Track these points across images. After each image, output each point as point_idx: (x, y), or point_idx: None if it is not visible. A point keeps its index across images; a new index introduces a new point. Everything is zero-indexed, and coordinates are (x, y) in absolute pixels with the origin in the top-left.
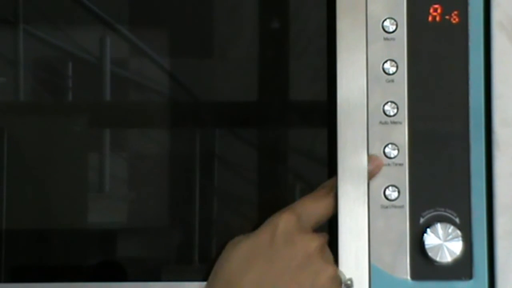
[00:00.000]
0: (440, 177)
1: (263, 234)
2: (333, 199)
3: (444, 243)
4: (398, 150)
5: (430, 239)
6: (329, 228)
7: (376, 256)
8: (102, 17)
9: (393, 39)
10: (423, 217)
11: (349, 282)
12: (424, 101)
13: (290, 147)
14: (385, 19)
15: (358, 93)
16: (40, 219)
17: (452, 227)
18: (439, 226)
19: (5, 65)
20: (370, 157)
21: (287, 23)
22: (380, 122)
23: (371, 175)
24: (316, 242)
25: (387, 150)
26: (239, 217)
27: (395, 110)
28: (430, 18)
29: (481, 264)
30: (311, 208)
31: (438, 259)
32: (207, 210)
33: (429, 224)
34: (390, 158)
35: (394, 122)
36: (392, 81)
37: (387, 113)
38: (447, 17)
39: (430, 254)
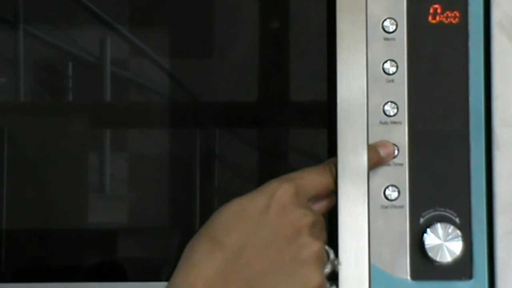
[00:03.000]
0: (440, 177)
1: (258, 198)
2: (334, 176)
3: (444, 243)
4: (398, 150)
5: (430, 239)
6: (329, 228)
7: (376, 256)
8: (102, 17)
9: (393, 39)
10: (423, 217)
11: (336, 262)
12: (424, 101)
13: (290, 147)
14: (385, 19)
15: (358, 93)
16: (40, 219)
17: (452, 227)
18: (439, 226)
19: (5, 65)
20: (380, 144)
21: (287, 24)
22: (380, 122)
23: (380, 163)
24: (308, 218)
25: None
26: None
27: (395, 110)
28: (430, 18)
29: (481, 264)
30: (313, 182)
31: (438, 259)
32: (207, 210)
33: (429, 224)
34: None
35: (394, 122)
36: (392, 81)
37: (387, 113)
38: (447, 17)
39: (430, 254)
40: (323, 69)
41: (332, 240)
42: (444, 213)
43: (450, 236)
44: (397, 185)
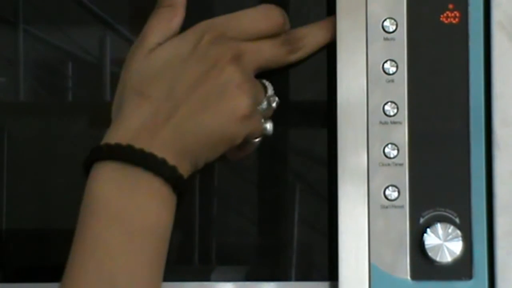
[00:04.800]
0: (440, 177)
1: (183, 44)
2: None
3: (444, 243)
4: (398, 150)
5: (430, 239)
6: (329, 228)
7: (376, 256)
8: (102, 17)
9: (393, 39)
10: (423, 217)
11: (272, 98)
12: (424, 101)
13: (290, 147)
14: (385, 19)
15: (358, 93)
16: (40, 219)
17: (452, 227)
18: (439, 226)
19: (5, 65)
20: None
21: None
22: (380, 122)
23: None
24: (231, 51)
25: (387, 150)
26: (239, 217)
27: (395, 110)
28: (430, 18)
29: (481, 264)
30: (248, 26)
31: (438, 259)
32: (207, 210)
33: (429, 224)
34: (390, 158)
35: (394, 122)
36: (392, 81)
37: (387, 113)
38: (447, 17)
39: (430, 254)
40: (323, 69)
41: (332, 240)
42: (444, 213)
43: (450, 236)
44: (397, 185)
